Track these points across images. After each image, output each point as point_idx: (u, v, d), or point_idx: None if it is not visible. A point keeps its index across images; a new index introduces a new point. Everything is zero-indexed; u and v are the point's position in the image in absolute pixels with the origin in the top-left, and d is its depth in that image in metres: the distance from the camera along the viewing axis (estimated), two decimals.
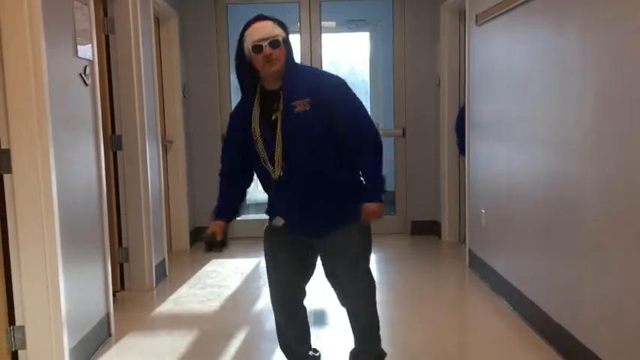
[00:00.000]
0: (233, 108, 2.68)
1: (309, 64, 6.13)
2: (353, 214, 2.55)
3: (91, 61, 3.43)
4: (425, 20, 5.93)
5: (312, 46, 6.17)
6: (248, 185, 2.68)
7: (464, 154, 5.27)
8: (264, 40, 2.36)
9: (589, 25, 2.84)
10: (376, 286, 2.72)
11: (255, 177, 2.68)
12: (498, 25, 4.10)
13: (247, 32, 2.40)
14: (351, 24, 8.05)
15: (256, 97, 2.49)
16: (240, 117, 2.55)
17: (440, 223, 5.97)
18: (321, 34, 6.18)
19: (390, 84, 6.40)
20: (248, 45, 2.38)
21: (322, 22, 6.22)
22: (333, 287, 2.76)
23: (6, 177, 2.76)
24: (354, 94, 2.57)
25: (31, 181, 2.77)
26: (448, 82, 5.65)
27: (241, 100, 2.57)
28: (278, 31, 2.40)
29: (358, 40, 8.75)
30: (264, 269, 2.80)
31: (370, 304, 2.69)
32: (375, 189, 2.55)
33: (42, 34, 2.75)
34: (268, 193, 2.64)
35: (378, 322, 2.75)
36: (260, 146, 2.48)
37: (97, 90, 3.53)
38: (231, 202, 2.63)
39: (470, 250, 4.90)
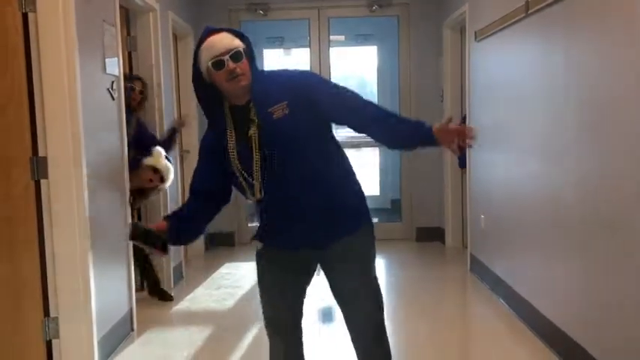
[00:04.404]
0: (203, 136, 2.34)
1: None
2: (354, 222, 2.26)
3: (117, 77, 3.73)
4: (429, 36, 6.22)
5: (322, 59, 6.46)
6: (217, 209, 2.34)
7: (463, 167, 5.49)
8: (224, 53, 2.08)
9: (571, 46, 3.10)
10: (383, 303, 2.34)
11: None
12: (495, 41, 4.36)
13: (203, 47, 2.12)
14: (359, 38, 8.33)
15: (227, 116, 2.19)
16: (213, 145, 2.22)
17: (444, 229, 6.21)
18: (329, 47, 6.48)
19: (397, 95, 6.67)
20: (206, 62, 2.10)
21: (331, 37, 6.52)
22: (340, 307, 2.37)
23: (43, 182, 3.05)
24: (330, 80, 2.35)
25: (65, 186, 3.06)
26: (451, 94, 5.92)
27: (209, 125, 2.27)
28: (237, 42, 2.12)
29: (366, 53, 9.05)
30: None
31: (376, 319, 2.31)
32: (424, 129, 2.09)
33: (76, 53, 3.05)
34: (258, 214, 2.32)
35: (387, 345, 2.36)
36: (239, 166, 2.17)
37: (123, 103, 3.82)
38: (188, 218, 2.29)
39: (471, 254, 5.14)
